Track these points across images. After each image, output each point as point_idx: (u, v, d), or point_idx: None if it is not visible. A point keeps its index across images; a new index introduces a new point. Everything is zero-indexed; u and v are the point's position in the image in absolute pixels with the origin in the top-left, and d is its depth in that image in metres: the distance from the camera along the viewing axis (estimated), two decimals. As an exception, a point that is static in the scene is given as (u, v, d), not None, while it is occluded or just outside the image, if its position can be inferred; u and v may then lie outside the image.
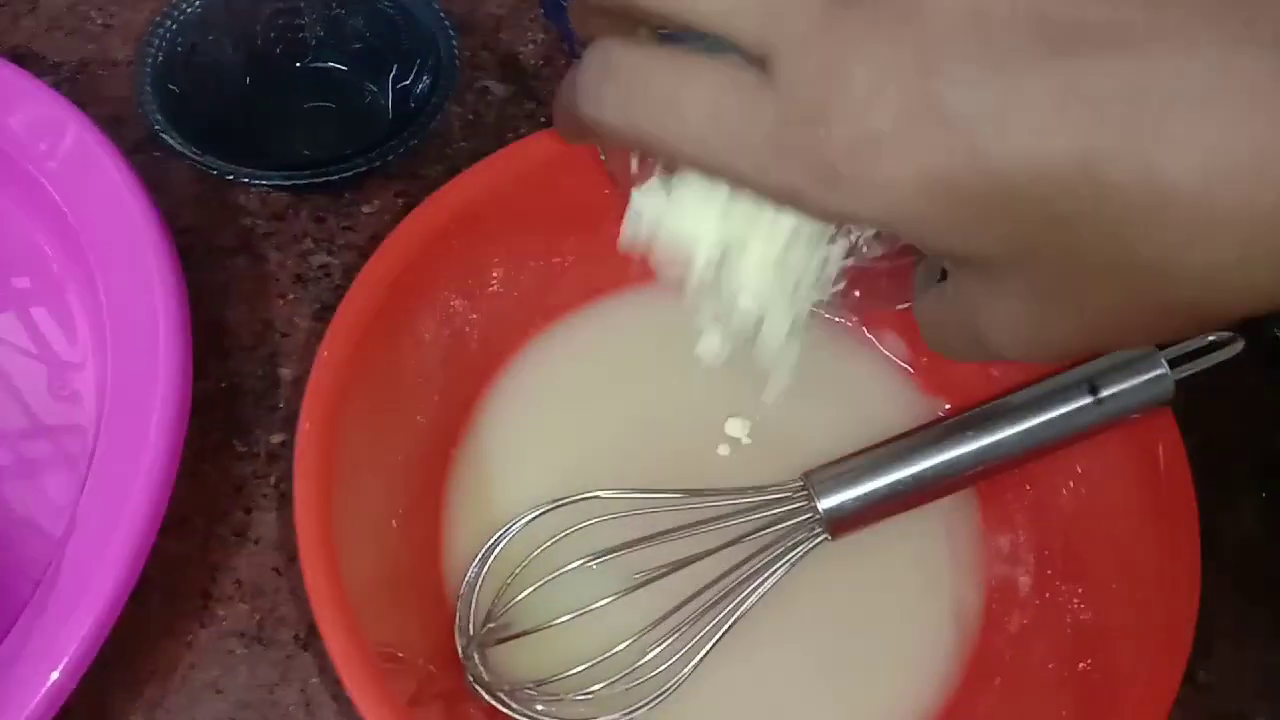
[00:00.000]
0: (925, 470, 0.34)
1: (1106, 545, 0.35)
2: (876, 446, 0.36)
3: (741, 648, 0.35)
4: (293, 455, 0.35)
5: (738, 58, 0.21)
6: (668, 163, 0.23)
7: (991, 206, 0.20)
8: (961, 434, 0.34)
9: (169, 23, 0.44)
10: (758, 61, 0.21)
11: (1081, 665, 0.34)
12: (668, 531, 0.36)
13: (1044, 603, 0.36)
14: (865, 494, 0.34)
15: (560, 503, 0.36)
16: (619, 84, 0.22)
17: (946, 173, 0.19)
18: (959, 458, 0.34)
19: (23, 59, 0.48)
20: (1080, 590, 0.36)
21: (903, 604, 0.38)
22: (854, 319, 0.42)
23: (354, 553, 0.33)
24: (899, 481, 0.34)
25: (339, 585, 0.31)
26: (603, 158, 0.32)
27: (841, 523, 0.34)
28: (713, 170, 0.22)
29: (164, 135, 0.41)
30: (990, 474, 0.35)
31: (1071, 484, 0.37)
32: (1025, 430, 0.34)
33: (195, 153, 0.41)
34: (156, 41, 0.43)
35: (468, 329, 0.40)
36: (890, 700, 0.36)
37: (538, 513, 0.35)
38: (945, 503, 0.37)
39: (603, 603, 0.33)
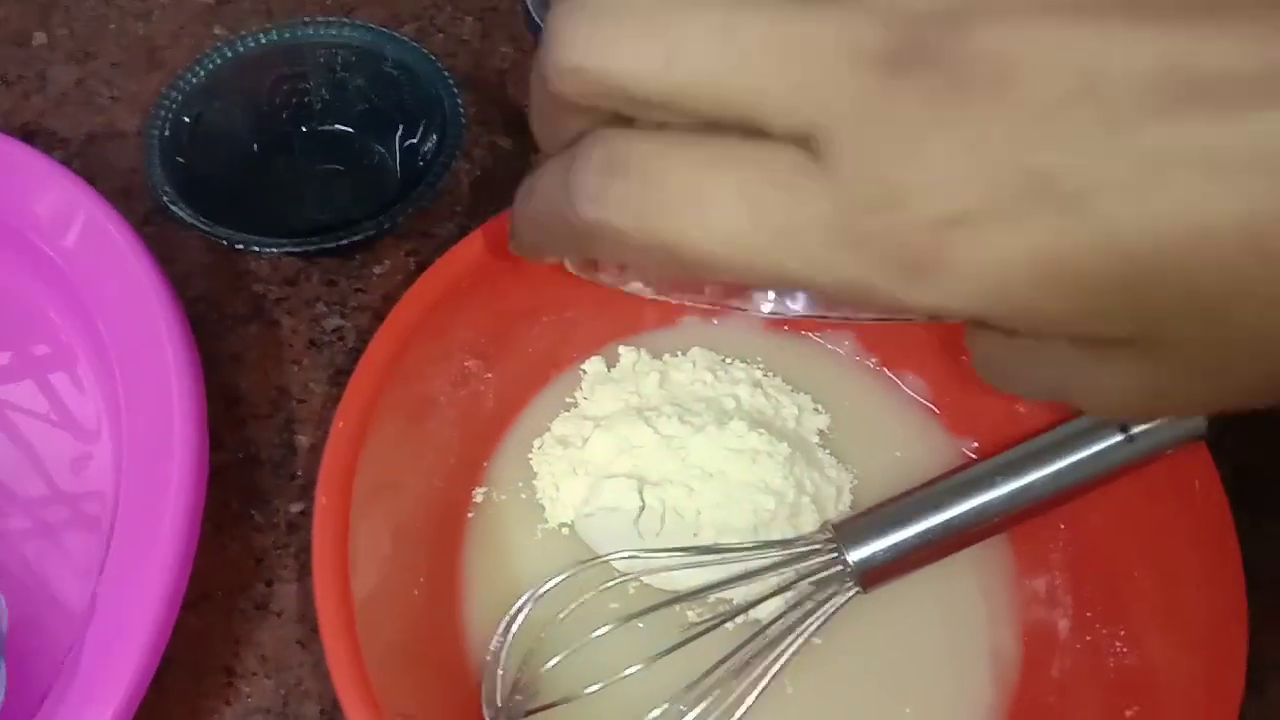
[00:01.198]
0: (956, 517, 0.34)
1: (1147, 585, 0.34)
2: (904, 495, 0.35)
3: (775, 705, 0.34)
4: (311, 525, 0.35)
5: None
6: (687, 270, 0.20)
7: (1121, 288, 0.17)
8: (991, 478, 0.34)
9: (175, 94, 0.44)
10: (796, 143, 0.18)
11: (1128, 713, 0.33)
12: (695, 592, 0.35)
13: (1085, 646, 0.35)
14: (896, 544, 0.33)
15: (581, 566, 0.35)
16: (630, 179, 0.19)
17: (1066, 254, 0.17)
18: (990, 503, 0.34)
19: (32, 135, 0.48)
20: (1122, 632, 0.35)
21: (937, 653, 0.37)
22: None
23: (376, 625, 0.32)
24: (930, 530, 0.33)
25: (360, 664, 0.30)
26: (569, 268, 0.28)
27: (873, 575, 0.34)
28: (752, 273, 0.19)
29: (173, 207, 0.41)
30: (1023, 518, 0.35)
31: (1106, 522, 0.36)
32: (1056, 472, 0.33)
33: (205, 224, 0.41)
34: (163, 114, 0.43)
35: (483, 388, 0.39)
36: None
37: (558, 579, 0.35)
38: (976, 546, 0.36)
39: (632, 670, 0.32)
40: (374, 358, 0.35)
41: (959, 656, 0.37)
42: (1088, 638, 0.35)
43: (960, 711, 0.36)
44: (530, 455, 0.40)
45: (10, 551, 0.38)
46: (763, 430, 0.38)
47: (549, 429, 0.40)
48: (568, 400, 0.41)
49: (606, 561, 0.36)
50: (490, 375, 0.40)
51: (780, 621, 0.34)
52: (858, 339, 0.42)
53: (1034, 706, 0.35)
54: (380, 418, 0.34)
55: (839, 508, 0.38)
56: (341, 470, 0.33)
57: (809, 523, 0.37)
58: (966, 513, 0.33)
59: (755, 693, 0.33)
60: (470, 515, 0.38)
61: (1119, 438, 0.33)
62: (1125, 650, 0.34)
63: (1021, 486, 0.33)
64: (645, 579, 0.36)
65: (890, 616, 0.36)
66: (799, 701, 0.35)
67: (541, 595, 0.35)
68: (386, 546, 0.34)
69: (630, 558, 0.36)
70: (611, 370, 0.41)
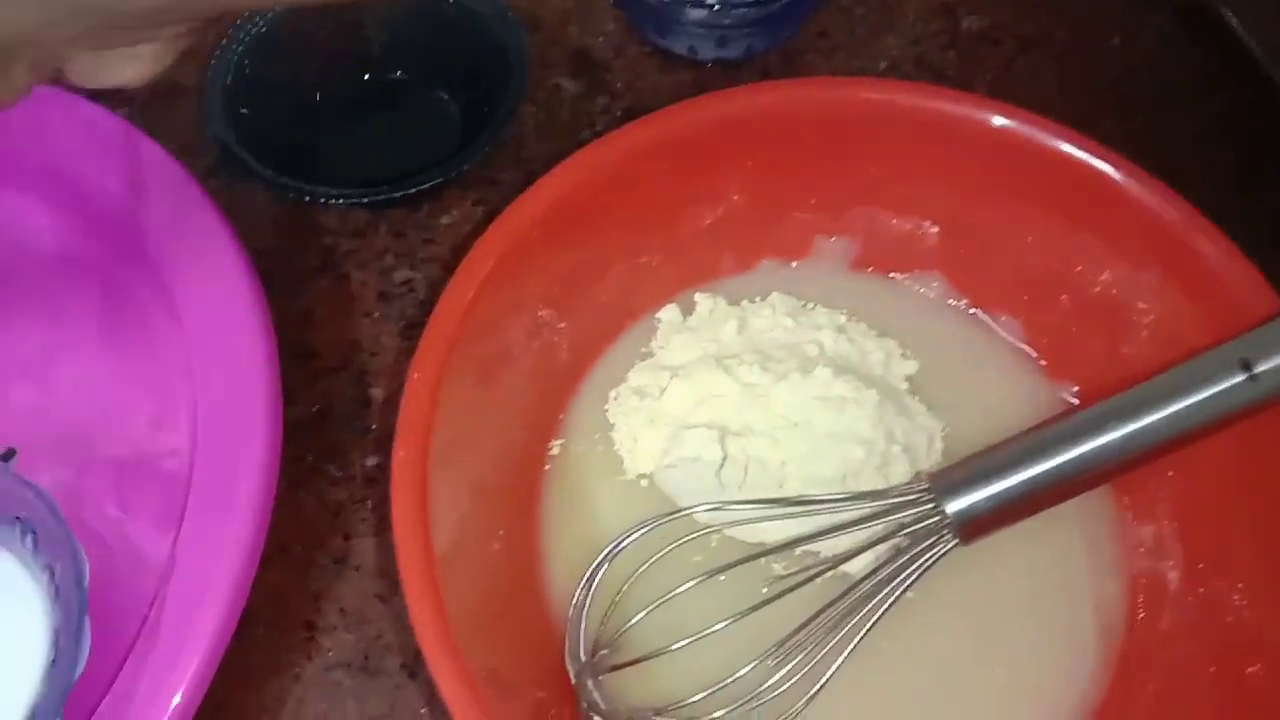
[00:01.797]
0: (1064, 464, 0.32)
1: (1267, 534, 0.32)
2: (1006, 443, 0.33)
3: (867, 663, 0.33)
4: (388, 478, 0.34)
5: None
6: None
7: None
8: (1102, 423, 0.32)
9: (235, 46, 0.43)
10: None
11: (1250, 670, 0.31)
12: (782, 546, 0.34)
13: (1197, 599, 0.34)
14: (997, 494, 0.32)
15: (662, 519, 0.34)
16: None
17: None
18: (1101, 449, 0.32)
19: (97, 93, 0.47)
20: (1240, 585, 0.33)
21: (1038, 606, 0.35)
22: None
23: (457, 580, 0.31)
24: (1034, 479, 0.32)
25: (444, 619, 0.29)
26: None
27: (973, 526, 0.32)
28: None
29: (241, 156, 0.40)
30: (1135, 465, 0.32)
31: (1220, 469, 0.34)
32: (1171, 415, 0.31)
33: (272, 175, 0.40)
34: (224, 65, 0.42)
35: (556, 338, 0.38)
36: (1030, 713, 0.33)
37: (640, 532, 0.34)
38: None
39: (719, 626, 0.31)
40: (446, 309, 0.34)
41: (1060, 609, 0.35)
42: (1201, 590, 0.34)
43: (1062, 668, 0.34)
44: (606, 406, 0.38)
45: (92, 508, 0.38)
46: (849, 377, 0.36)
47: (625, 379, 0.39)
48: (643, 350, 0.40)
49: (688, 515, 0.35)
50: (564, 325, 0.38)
51: (873, 577, 0.32)
52: (947, 279, 0.40)
53: (1142, 662, 0.34)
54: (455, 370, 0.34)
55: (931, 458, 0.36)
56: (419, 423, 0.32)
57: (900, 473, 0.35)
58: (1075, 460, 0.32)
59: (846, 651, 0.32)
60: (547, 468, 0.38)
61: (1241, 377, 0.31)
62: (1244, 604, 0.32)
63: (1135, 431, 0.31)
64: (729, 532, 0.35)
65: (987, 567, 0.35)
66: (891, 658, 0.34)
67: (621, 549, 0.34)
68: (465, 500, 0.34)
69: (713, 510, 0.35)
70: (688, 319, 0.40)
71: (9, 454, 0.39)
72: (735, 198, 0.40)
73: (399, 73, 0.46)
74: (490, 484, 0.35)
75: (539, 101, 0.47)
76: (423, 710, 0.35)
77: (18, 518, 0.33)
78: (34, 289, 0.42)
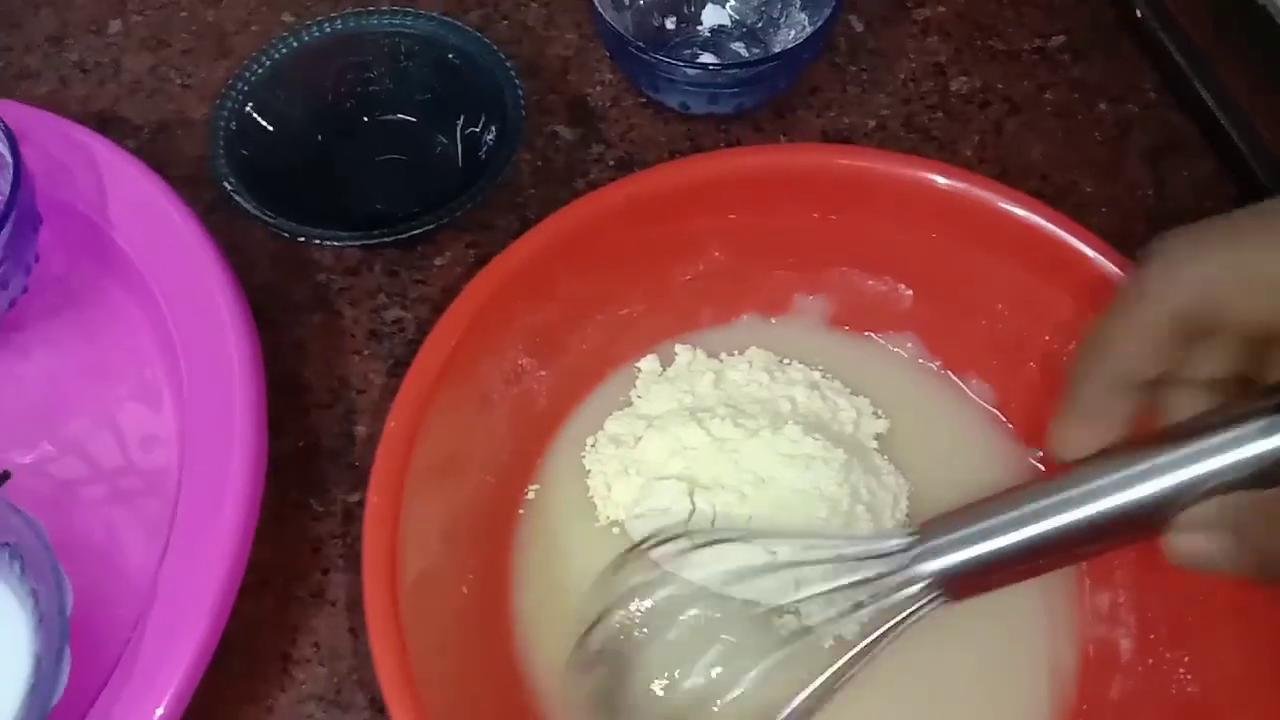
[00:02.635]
0: (1067, 527, 0.29)
1: (1219, 612, 0.33)
2: (995, 499, 0.32)
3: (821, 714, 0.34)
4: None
5: None
6: None
7: None
8: (1118, 485, 0.29)
9: (240, 85, 0.44)
10: None
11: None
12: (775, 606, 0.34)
13: (1147, 670, 0.34)
14: (992, 554, 0.31)
15: (625, 556, 0.35)
16: None
17: None
18: (1113, 510, 0.29)
19: (106, 124, 0.49)
20: (1186, 659, 0.33)
21: (995, 666, 0.36)
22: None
23: (422, 620, 0.32)
24: (1035, 540, 0.30)
25: (405, 658, 0.30)
26: None
27: (962, 586, 0.32)
28: None
29: (236, 198, 0.42)
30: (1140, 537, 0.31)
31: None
32: (1198, 478, 0.28)
33: (268, 215, 0.41)
34: (229, 105, 0.44)
35: (536, 385, 0.39)
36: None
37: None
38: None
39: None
40: (427, 357, 0.35)
41: (1017, 671, 0.36)
42: (1150, 661, 0.34)
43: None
44: (583, 453, 0.39)
45: (78, 530, 0.39)
46: (818, 435, 0.37)
47: (603, 427, 0.40)
48: (621, 399, 0.41)
49: (676, 538, 0.35)
50: (544, 373, 0.39)
51: (854, 617, 0.33)
52: (921, 341, 0.41)
53: (1092, 730, 0.34)
54: (433, 416, 0.35)
55: (895, 516, 0.37)
56: (393, 470, 0.33)
57: (863, 532, 0.36)
58: (1079, 522, 0.29)
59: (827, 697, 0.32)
60: (521, 512, 0.39)
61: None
62: (1189, 677, 0.33)
63: (1152, 496, 0.29)
64: (726, 589, 0.35)
65: (948, 625, 0.35)
66: (850, 709, 0.34)
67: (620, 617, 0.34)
68: (436, 544, 0.35)
69: (680, 546, 0.35)
70: (666, 370, 0.41)
71: (3, 477, 0.40)
72: (716, 254, 0.41)
73: (400, 114, 0.48)
74: (463, 527, 0.36)
75: (536, 148, 0.48)
76: (389, 744, 0.36)
77: (6, 544, 0.34)
78: (34, 318, 0.43)
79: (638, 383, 0.41)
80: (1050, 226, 0.38)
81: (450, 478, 0.36)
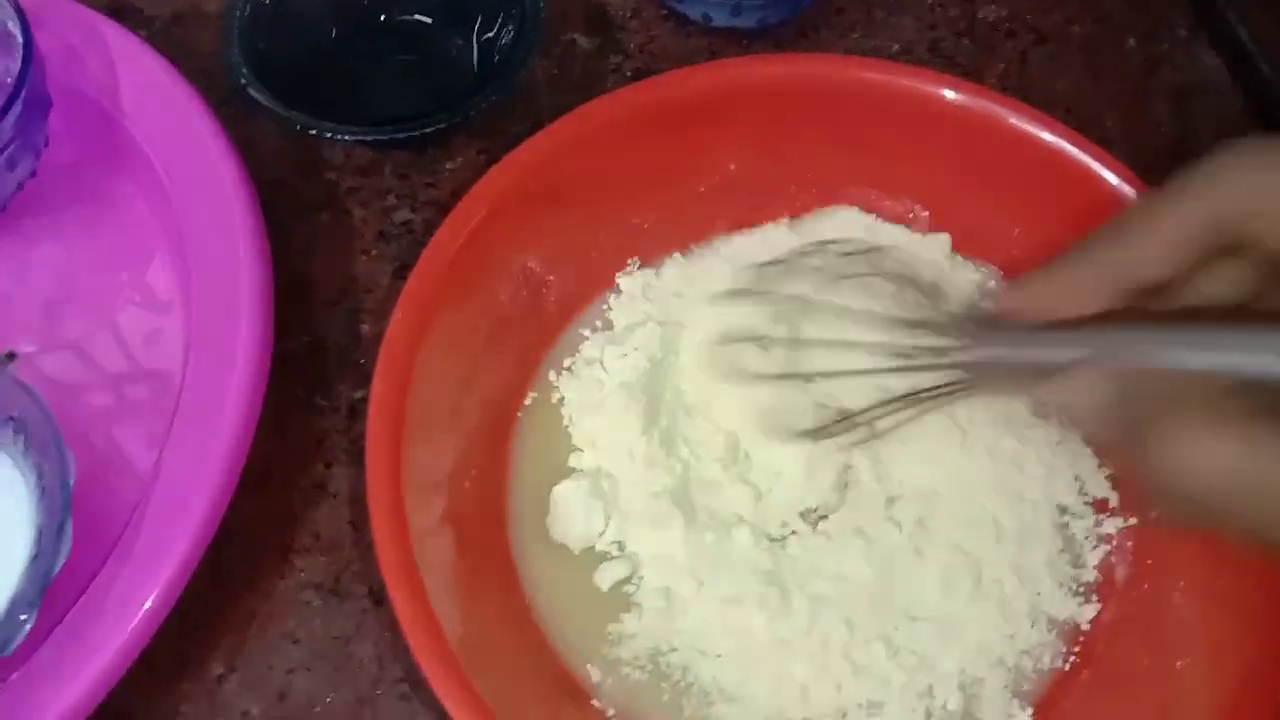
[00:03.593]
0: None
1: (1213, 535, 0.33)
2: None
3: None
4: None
5: None
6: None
7: None
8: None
9: (258, -25, 0.43)
10: None
11: (1179, 664, 0.32)
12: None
13: (1141, 595, 0.34)
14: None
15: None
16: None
17: None
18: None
19: (119, 13, 0.48)
20: (1181, 584, 0.33)
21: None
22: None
23: (424, 508, 0.33)
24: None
25: (407, 545, 0.30)
26: None
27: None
28: None
29: (249, 89, 0.41)
30: None
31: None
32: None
33: (281, 108, 0.41)
34: (244, -3, 0.43)
35: (544, 290, 0.39)
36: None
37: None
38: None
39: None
40: (437, 250, 0.35)
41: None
42: (1145, 586, 0.34)
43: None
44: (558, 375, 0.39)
45: (84, 418, 0.39)
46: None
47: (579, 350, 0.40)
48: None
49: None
50: (552, 277, 0.39)
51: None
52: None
53: (1085, 654, 0.34)
54: (440, 310, 0.35)
55: None
56: (400, 358, 0.33)
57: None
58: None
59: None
60: (520, 415, 0.38)
61: None
62: (1183, 602, 0.33)
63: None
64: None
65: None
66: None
67: None
68: (440, 436, 0.35)
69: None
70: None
71: (10, 357, 0.40)
72: (731, 167, 0.40)
73: (417, 15, 0.47)
74: (469, 425, 0.36)
75: (553, 55, 0.48)
76: (385, 634, 0.37)
77: (11, 418, 0.34)
78: (42, 201, 0.43)
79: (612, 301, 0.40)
80: (1071, 149, 0.37)
81: (456, 374, 0.36)
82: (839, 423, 0.34)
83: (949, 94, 0.38)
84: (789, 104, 0.39)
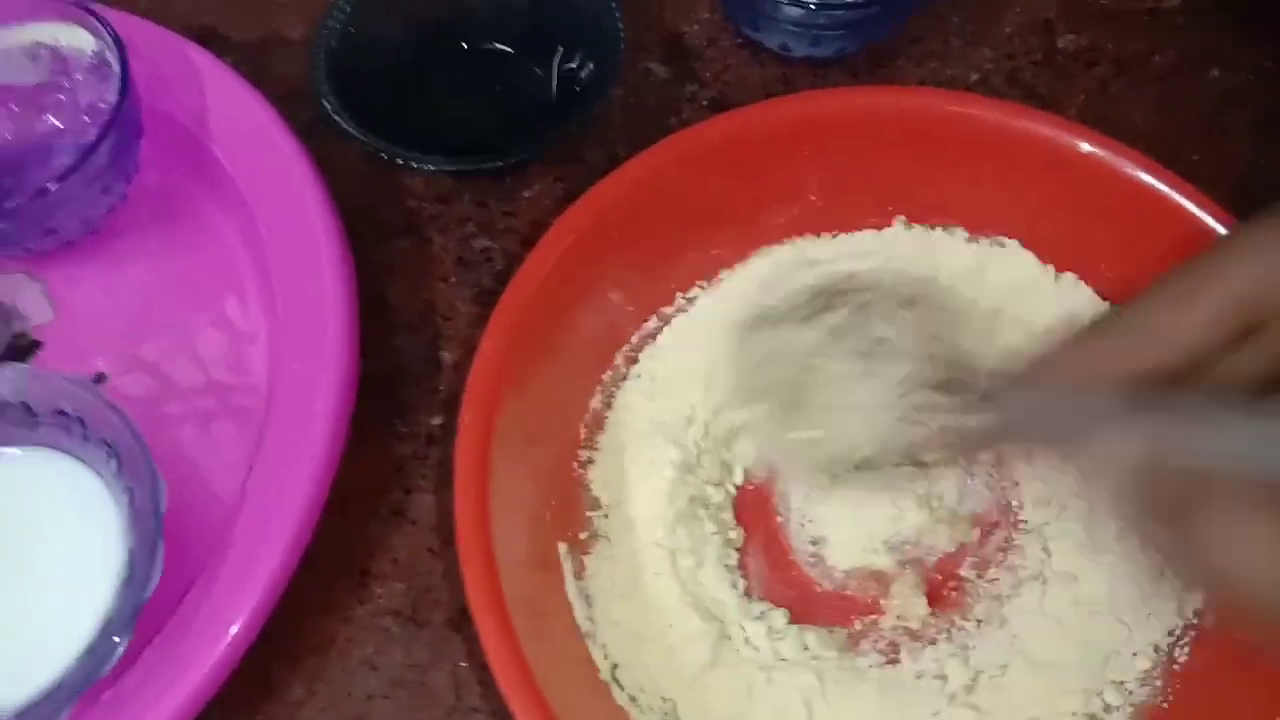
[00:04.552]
0: None
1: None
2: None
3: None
4: (451, 439, 0.36)
5: None
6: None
7: None
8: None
9: (344, 5, 0.44)
10: None
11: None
12: None
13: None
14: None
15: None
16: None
17: None
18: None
19: (206, 39, 0.49)
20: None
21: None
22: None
23: (508, 542, 0.33)
24: None
25: (494, 571, 0.31)
26: None
27: None
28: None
29: (336, 118, 0.42)
30: None
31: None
32: None
33: (365, 136, 0.41)
34: (331, 24, 0.44)
35: (623, 321, 0.39)
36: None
37: None
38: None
39: None
40: (520, 288, 0.35)
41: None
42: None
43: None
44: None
45: (170, 441, 0.40)
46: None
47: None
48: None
49: None
50: (632, 309, 0.39)
51: None
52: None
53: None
54: (524, 346, 0.35)
55: None
56: (485, 391, 0.33)
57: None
58: None
59: None
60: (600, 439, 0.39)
61: None
62: None
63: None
64: None
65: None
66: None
67: None
68: (520, 469, 0.35)
69: None
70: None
71: (100, 378, 0.41)
72: (812, 198, 0.40)
73: (498, 44, 0.47)
74: (547, 456, 0.37)
75: (628, 84, 0.48)
76: (462, 663, 0.37)
77: (104, 440, 0.35)
78: (132, 227, 0.44)
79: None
80: (1160, 185, 0.37)
81: (537, 405, 0.36)
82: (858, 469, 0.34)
83: (1037, 128, 0.38)
84: (872, 136, 0.39)
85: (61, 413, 0.35)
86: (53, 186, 0.38)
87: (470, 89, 0.47)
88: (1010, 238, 0.40)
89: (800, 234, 0.41)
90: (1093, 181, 0.38)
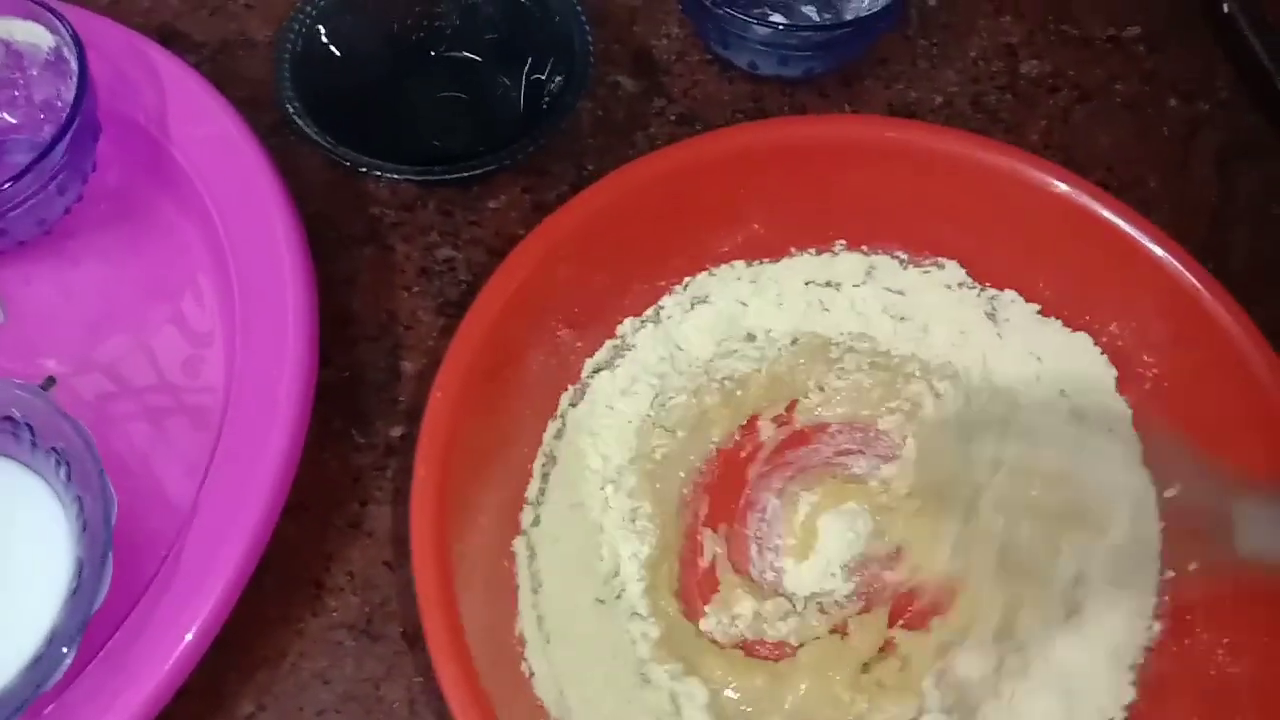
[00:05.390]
0: None
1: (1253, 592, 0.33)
2: None
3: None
4: (411, 451, 0.36)
5: None
6: None
7: None
8: None
9: (309, 9, 0.44)
10: None
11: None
12: None
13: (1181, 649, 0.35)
14: None
15: None
16: None
17: None
18: None
19: (168, 38, 0.48)
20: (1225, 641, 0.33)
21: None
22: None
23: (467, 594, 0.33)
24: None
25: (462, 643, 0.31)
26: None
27: None
28: None
29: (298, 122, 0.41)
30: None
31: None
32: None
33: (329, 142, 0.41)
34: (296, 28, 0.43)
35: (572, 357, 0.40)
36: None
37: None
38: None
39: None
40: (471, 330, 0.36)
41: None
42: (1186, 641, 0.35)
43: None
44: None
45: (123, 446, 0.39)
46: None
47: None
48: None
49: None
50: (580, 344, 0.40)
51: None
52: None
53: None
54: (476, 388, 0.36)
55: None
56: (441, 440, 0.34)
57: None
58: None
59: None
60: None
61: None
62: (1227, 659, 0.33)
63: None
64: None
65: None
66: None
67: None
68: (478, 516, 0.35)
69: None
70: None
71: (49, 383, 0.40)
72: (755, 226, 0.41)
73: (466, 52, 0.47)
74: (505, 499, 0.37)
75: (597, 97, 0.48)
76: (417, 679, 0.36)
77: (54, 449, 0.34)
78: (88, 225, 0.43)
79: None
80: (1114, 218, 0.38)
81: (491, 447, 0.37)
82: None
83: (975, 152, 0.40)
84: (816, 163, 0.40)
85: (9, 419, 0.35)
86: (6, 186, 0.38)
87: (437, 97, 0.47)
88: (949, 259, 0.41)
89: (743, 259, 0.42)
90: (1026, 201, 0.39)
